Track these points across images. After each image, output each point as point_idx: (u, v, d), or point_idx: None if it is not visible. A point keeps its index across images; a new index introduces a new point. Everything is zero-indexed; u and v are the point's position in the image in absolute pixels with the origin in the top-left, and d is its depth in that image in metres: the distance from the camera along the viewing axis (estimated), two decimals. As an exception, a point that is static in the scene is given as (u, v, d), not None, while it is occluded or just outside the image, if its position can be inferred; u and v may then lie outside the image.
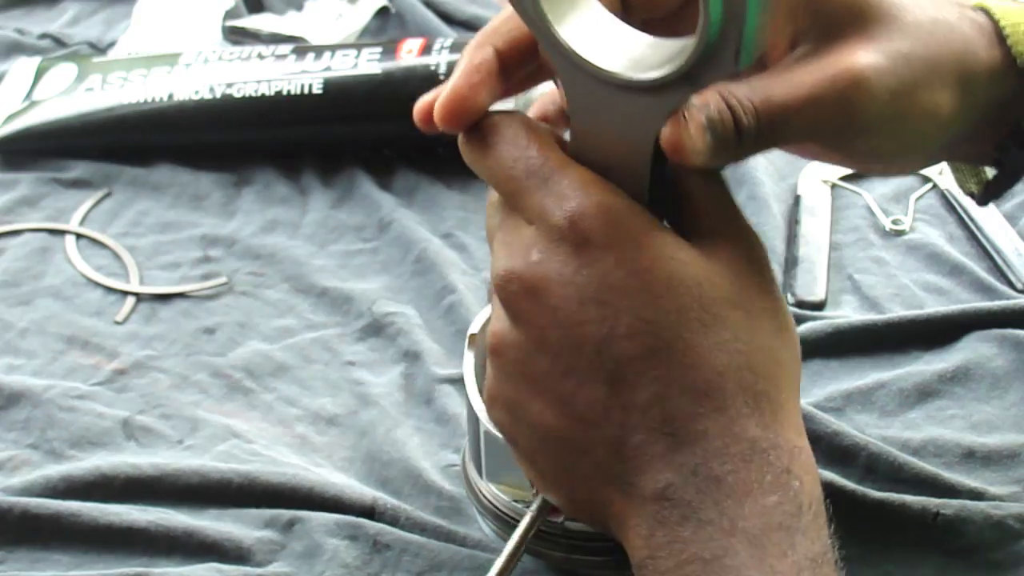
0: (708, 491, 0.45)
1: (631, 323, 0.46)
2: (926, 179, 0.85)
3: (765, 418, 0.46)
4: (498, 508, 0.60)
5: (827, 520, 0.47)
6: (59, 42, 1.01)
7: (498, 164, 0.48)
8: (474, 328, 0.63)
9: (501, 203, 0.49)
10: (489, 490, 0.61)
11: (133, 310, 0.77)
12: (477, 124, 0.49)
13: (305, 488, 0.64)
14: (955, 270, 0.78)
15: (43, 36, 1.01)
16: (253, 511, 0.63)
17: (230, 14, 0.99)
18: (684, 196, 0.49)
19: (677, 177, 0.49)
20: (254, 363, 0.73)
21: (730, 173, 0.84)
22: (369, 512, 0.63)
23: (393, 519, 0.63)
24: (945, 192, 0.84)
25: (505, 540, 0.56)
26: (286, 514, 0.63)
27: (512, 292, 0.48)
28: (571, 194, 0.47)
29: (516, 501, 0.60)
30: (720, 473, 0.46)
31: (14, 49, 1.00)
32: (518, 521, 0.56)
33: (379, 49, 0.88)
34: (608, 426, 0.47)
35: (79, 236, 0.83)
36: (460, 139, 0.50)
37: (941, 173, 0.84)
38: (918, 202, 0.83)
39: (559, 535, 0.59)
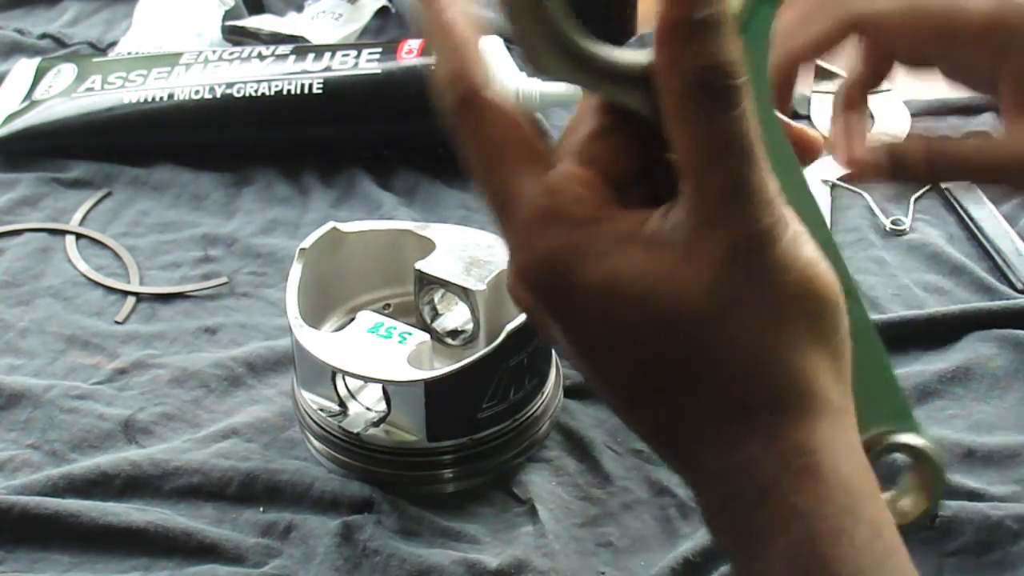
0: (716, 526, 0.42)
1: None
2: None
3: (765, 436, 0.41)
4: (317, 424, 0.65)
5: None
6: (59, 42, 1.01)
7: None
8: (306, 244, 0.68)
9: None
10: (308, 405, 0.65)
11: (133, 310, 0.77)
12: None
13: (305, 484, 0.64)
14: (955, 270, 0.78)
15: (43, 36, 1.01)
16: (252, 515, 0.64)
17: (230, 14, 0.99)
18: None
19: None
20: (254, 358, 0.73)
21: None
22: (368, 506, 0.63)
23: (390, 512, 0.63)
24: (945, 192, 0.84)
25: (328, 459, 0.64)
26: (284, 518, 0.63)
27: None
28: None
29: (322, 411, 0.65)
30: (712, 513, 0.42)
31: (14, 49, 1.00)
32: (336, 437, 0.64)
33: (379, 49, 0.88)
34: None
35: (79, 236, 0.83)
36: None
37: None
38: (917, 202, 0.83)
39: (358, 447, 0.64)
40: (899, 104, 0.92)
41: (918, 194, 0.84)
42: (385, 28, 1.02)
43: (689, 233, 0.40)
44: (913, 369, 0.71)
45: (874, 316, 0.74)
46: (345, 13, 1.01)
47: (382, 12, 1.03)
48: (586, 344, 0.42)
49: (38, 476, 0.65)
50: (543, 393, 0.67)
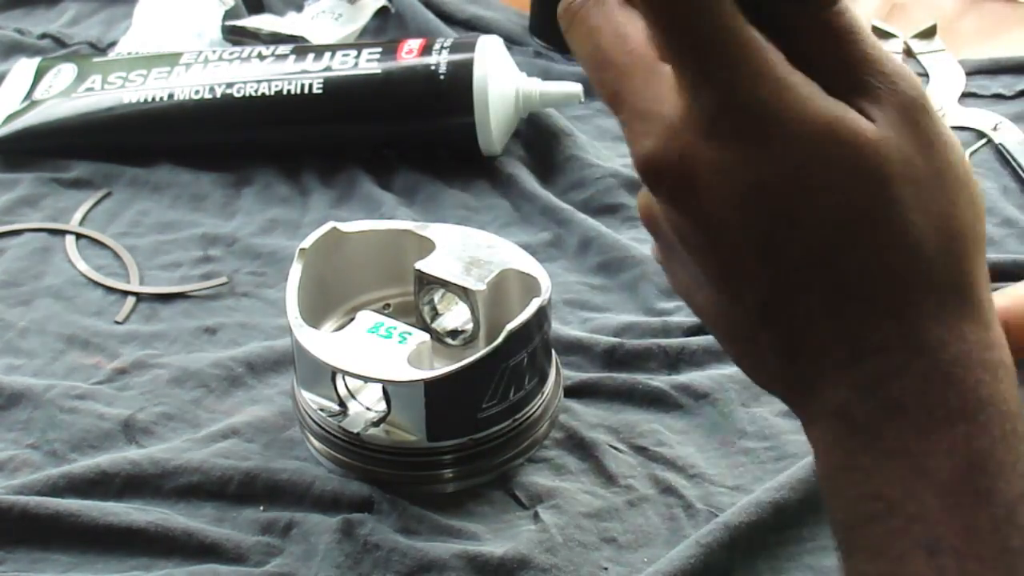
0: (889, 417, 0.40)
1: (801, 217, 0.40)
2: (980, 134, 0.87)
3: (952, 320, 0.40)
4: (317, 424, 0.65)
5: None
6: (59, 42, 1.01)
7: None
8: (306, 244, 0.68)
9: None
10: (308, 405, 0.65)
11: (133, 310, 0.77)
12: None
13: (305, 483, 0.64)
14: (1006, 222, 0.80)
15: (43, 36, 1.01)
16: (252, 514, 0.64)
17: (230, 14, 0.99)
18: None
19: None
20: (254, 358, 0.73)
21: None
22: (368, 505, 0.63)
23: (390, 512, 0.63)
24: (999, 147, 0.85)
25: (328, 459, 0.64)
26: (284, 517, 0.63)
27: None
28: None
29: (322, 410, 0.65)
30: (899, 396, 0.40)
31: (14, 49, 1.00)
32: (336, 437, 0.64)
33: (379, 49, 0.88)
34: (776, 326, 0.41)
35: (79, 236, 0.83)
36: None
37: (996, 128, 0.86)
38: (973, 156, 0.85)
39: (358, 447, 0.64)
40: (953, 63, 0.93)
41: (974, 148, 0.85)
42: (385, 28, 1.02)
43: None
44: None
45: None
46: (345, 13, 1.01)
47: (382, 12, 1.03)
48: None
49: (38, 476, 0.65)
50: (543, 393, 0.67)
